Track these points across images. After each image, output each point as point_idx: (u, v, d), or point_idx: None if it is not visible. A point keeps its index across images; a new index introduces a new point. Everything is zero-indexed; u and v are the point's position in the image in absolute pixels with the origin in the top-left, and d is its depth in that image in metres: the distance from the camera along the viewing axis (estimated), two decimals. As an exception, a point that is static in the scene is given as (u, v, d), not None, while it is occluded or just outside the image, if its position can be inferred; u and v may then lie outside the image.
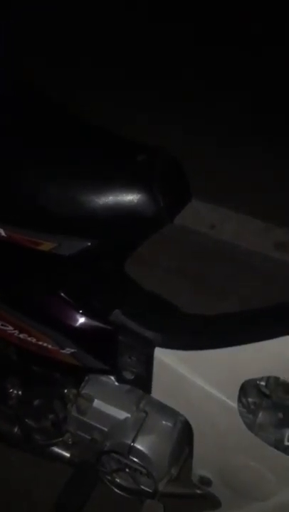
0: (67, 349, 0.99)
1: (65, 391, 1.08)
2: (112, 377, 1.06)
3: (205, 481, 1.02)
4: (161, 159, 0.89)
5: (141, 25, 3.38)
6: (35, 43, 3.01)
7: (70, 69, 2.93)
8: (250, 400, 0.98)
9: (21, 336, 1.01)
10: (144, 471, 0.98)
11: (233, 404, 0.93)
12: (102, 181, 0.86)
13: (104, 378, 1.07)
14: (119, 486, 1.06)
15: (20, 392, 1.04)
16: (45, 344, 1.00)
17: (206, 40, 3.30)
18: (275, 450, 0.94)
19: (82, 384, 1.07)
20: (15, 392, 1.04)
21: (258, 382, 0.95)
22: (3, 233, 0.91)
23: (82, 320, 0.98)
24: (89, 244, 0.89)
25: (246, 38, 3.29)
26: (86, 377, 1.08)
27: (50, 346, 1.00)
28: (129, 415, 1.01)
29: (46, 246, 0.90)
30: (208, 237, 2.31)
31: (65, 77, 2.78)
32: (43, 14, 3.28)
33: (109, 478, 1.06)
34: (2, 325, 1.02)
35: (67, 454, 1.12)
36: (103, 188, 0.85)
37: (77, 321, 0.98)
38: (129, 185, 0.85)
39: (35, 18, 3.20)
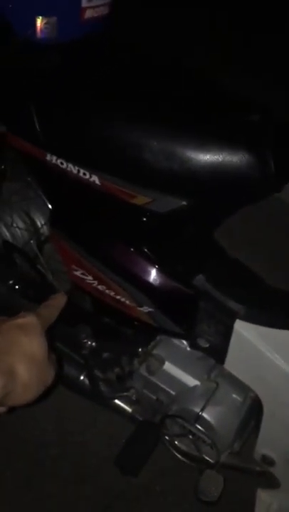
0: (145, 307, 0.97)
1: (136, 348, 1.06)
2: (185, 342, 1.03)
3: (268, 461, 0.99)
4: (275, 122, 0.82)
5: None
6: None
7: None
8: None
9: (100, 287, 1.00)
10: (208, 441, 0.96)
11: (312, 389, 0.88)
12: (209, 138, 0.80)
13: (176, 342, 1.05)
14: (179, 451, 1.05)
15: (93, 343, 1.04)
16: (122, 299, 0.98)
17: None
18: None
19: (153, 344, 1.05)
20: (88, 342, 1.04)
21: None
22: (97, 181, 0.87)
23: (163, 280, 0.95)
24: (184, 203, 0.84)
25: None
26: (158, 338, 1.06)
27: (127, 302, 0.98)
28: (199, 383, 0.99)
29: (140, 200, 0.86)
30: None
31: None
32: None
33: (170, 441, 1.05)
34: (82, 274, 1.01)
35: (130, 409, 1.12)
36: (210, 145, 0.79)
37: (158, 280, 0.95)
38: (238, 145, 0.78)
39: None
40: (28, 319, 0.59)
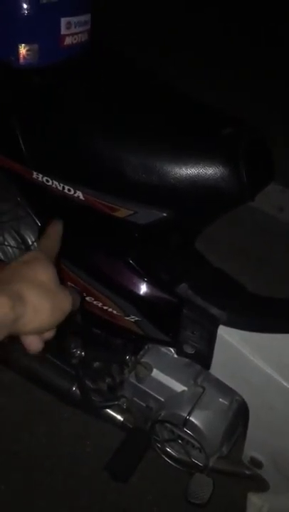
0: (132, 317, 1.00)
1: (125, 357, 1.09)
2: (172, 350, 1.06)
3: (256, 463, 1.02)
4: (247, 135, 0.86)
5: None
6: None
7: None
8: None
9: (88, 298, 1.03)
10: (196, 444, 0.98)
11: (295, 390, 0.91)
12: (186, 152, 0.84)
13: (163, 349, 1.08)
14: (169, 456, 1.07)
15: (82, 353, 1.07)
16: (110, 309, 1.02)
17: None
18: None
19: (142, 352, 1.08)
20: (78, 352, 1.07)
21: None
22: (81, 196, 0.92)
23: (148, 289, 0.99)
24: (165, 215, 0.88)
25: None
26: (146, 346, 1.09)
27: (114, 312, 1.01)
28: (186, 388, 1.02)
29: (122, 213, 0.90)
30: (276, 220, 2.26)
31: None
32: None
33: (160, 447, 1.08)
34: (70, 286, 1.04)
35: (121, 418, 1.14)
36: (186, 159, 0.83)
37: (143, 289, 0.99)
38: (213, 158, 0.82)
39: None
40: (32, 254, 0.60)
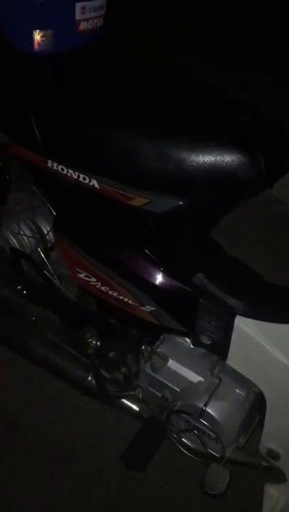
0: (147, 307, 0.99)
1: (141, 347, 1.09)
2: (188, 340, 1.05)
3: (273, 455, 1.01)
4: (264, 122, 0.85)
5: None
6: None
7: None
8: None
9: (103, 288, 1.03)
10: (213, 435, 0.98)
11: (313, 382, 0.90)
12: (202, 140, 0.83)
13: (179, 339, 1.07)
14: (185, 447, 1.07)
15: (98, 343, 1.06)
16: (125, 299, 1.01)
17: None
18: None
19: (157, 342, 1.08)
20: (94, 342, 1.06)
21: None
22: (96, 185, 0.91)
23: (164, 279, 0.98)
24: (181, 203, 0.87)
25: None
26: (161, 337, 1.09)
27: (130, 302, 1.01)
28: (202, 379, 1.01)
29: (138, 201, 0.89)
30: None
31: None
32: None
33: (176, 437, 1.07)
34: (86, 276, 1.04)
35: (137, 408, 1.14)
36: (202, 146, 0.82)
37: (159, 279, 0.98)
38: (229, 146, 0.81)
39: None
40: None
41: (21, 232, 1.29)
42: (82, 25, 0.85)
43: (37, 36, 0.80)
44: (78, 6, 0.84)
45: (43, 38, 0.81)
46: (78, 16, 0.84)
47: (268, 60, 3.75)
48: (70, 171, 0.93)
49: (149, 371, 1.05)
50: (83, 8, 0.84)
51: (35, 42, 0.81)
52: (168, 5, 4.36)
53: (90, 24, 0.87)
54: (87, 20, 0.85)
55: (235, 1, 4.40)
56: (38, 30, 0.80)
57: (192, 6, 4.44)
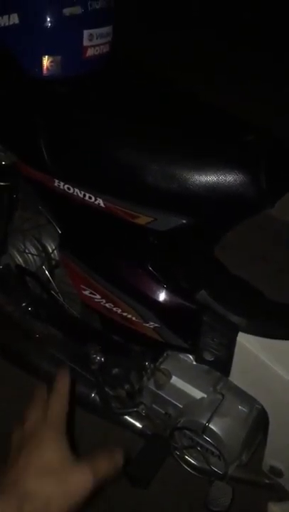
0: (151, 323, 1.01)
1: (144, 364, 1.09)
2: (191, 356, 1.07)
3: (276, 472, 1.01)
4: (268, 142, 0.87)
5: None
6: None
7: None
8: None
9: (107, 305, 1.04)
10: (216, 452, 0.98)
11: (315, 399, 0.91)
12: (205, 159, 0.85)
13: (182, 356, 1.08)
14: (188, 464, 1.07)
15: (102, 359, 1.08)
16: (129, 316, 1.02)
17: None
18: None
19: (161, 359, 1.09)
20: (97, 358, 1.07)
21: None
22: (101, 204, 0.93)
23: (167, 296, 0.99)
24: (184, 221, 0.89)
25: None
26: (165, 353, 1.10)
27: (134, 318, 1.02)
28: (205, 395, 1.02)
29: (142, 220, 0.91)
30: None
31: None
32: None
33: (179, 454, 1.08)
34: (90, 293, 1.06)
35: (140, 425, 1.14)
36: (206, 165, 0.84)
37: (162, 296, 0.99)
38: (233, 165, 0.83)
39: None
40: (38, 434, 0.55)
41: (27, 250, 1.31)
42: (90, 52, 0.89)
43: (46, 62, 0.84)
44: (86, 33, 0.87)
45: (52, 64, 0.84)
46: (86, 43, 0.87)
47: (268, 67, 3.80)
48: (77, 190, 0.95)
49: (153, 388, 1.06)
50: (91, 35, 0.87)
51: (44, 67, 0.84)
52: (167, 14, 4.43)
53: (97, 50, 0.90)
54: (94, 46, 0.89)
55: (234, 8, 4.46)
56: (47, 56, 0.83)
57: (191, 14, 4.51)
